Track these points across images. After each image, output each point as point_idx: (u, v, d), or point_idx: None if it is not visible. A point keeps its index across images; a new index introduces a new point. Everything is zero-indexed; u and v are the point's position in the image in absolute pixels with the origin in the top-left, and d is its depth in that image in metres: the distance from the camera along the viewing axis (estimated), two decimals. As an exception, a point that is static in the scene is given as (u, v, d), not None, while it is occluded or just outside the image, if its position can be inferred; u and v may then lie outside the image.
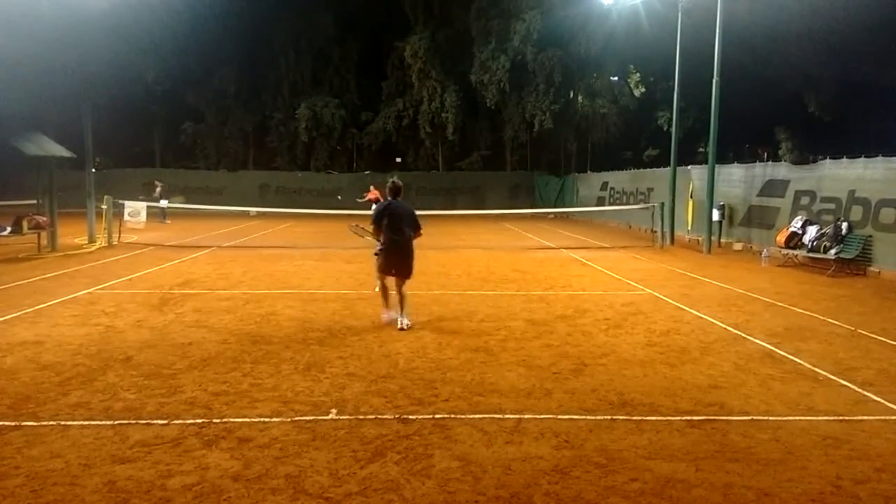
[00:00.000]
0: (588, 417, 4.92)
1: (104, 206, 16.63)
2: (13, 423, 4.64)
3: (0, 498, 3.58)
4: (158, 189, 24.80)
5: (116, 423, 4.68)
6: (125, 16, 19.59)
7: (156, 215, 23.13)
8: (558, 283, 11.44)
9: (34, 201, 15.72)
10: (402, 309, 7.74)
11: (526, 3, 32.68)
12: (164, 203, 23.40)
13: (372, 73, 39.53)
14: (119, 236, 17.05)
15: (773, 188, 16.64)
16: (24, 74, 13.72)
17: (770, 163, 18.56)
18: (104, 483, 3.77)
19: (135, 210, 18.10)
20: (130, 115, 34.01)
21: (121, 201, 17.70)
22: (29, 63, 13.69)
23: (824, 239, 13.45)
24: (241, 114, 38.18)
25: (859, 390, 5.67)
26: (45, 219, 14.82)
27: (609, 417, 4.92)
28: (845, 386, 5.79)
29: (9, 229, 14.05)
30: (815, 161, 16.14)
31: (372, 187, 27.07)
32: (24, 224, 14.21)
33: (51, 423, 4.67)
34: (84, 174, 17.24)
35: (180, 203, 24.27)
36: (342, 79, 39.70)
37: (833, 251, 13.07)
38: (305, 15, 36.86)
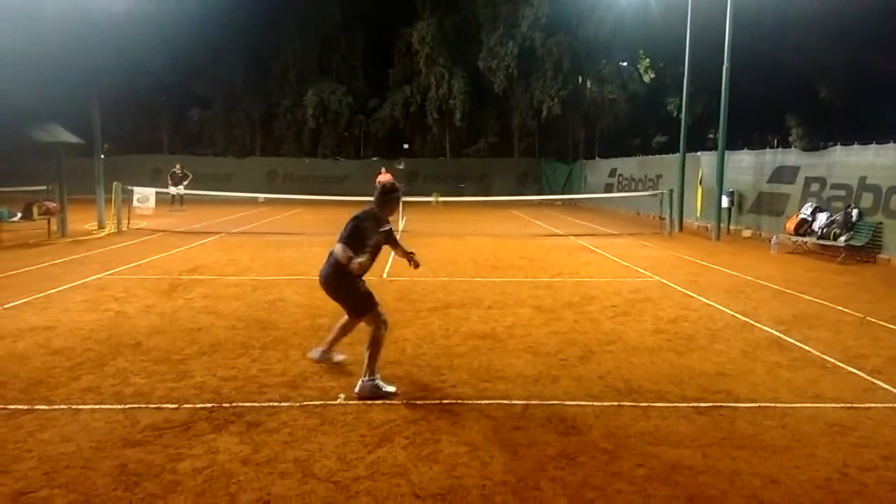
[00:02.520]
0: (595, 404, 4.93)
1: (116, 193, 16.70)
2: (25, 407, 4.69)
3: (13, 480, 3.63)
4: (177, 171, 24.70)
5: (127, 407, 4.72)
6: (132, 5, 19.56)
7: (167, 202, 23.18)
8: (566, 270, 11.42)
9: (44, 187, 15.82)
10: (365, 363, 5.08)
11: (534, -12, 32.38)
12: (173, 190, 23.38)
13: (379, 59, 39.32)
14: (128, 222, 17.14)
15: (782, 175, 16.51)
16: (34, 64, 13.78)
17: (780, 149, 18.40)
18: (115, 466, 3.81)
19: (143, 196, 18.16)
20: (138, 102, 34.02)
21: (130, 187, 17.77)
22: (38, 53, 13.74)
23: (834, 226, 13.36)
24: (249, 101, 38.11)
25: (868, 378, 5.65)
26: (54, 205, 14.91)
27: (616, 404, 4.93)
28: (853, 373, 5.77)
29: (19, 215, 14.15)
30: (825, 147, 16.00)
31: (384, 169, 25.12)
32: (35, 210, 14.31)
33: (62, 406, 4.72)
34: (93, 161, 17.31)
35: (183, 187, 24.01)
36: (349, 65, 39.54)
37: (843, 238, 12.98)
38: (312, 1, 36.67)
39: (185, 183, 24.35)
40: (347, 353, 6.10)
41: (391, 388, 5.09)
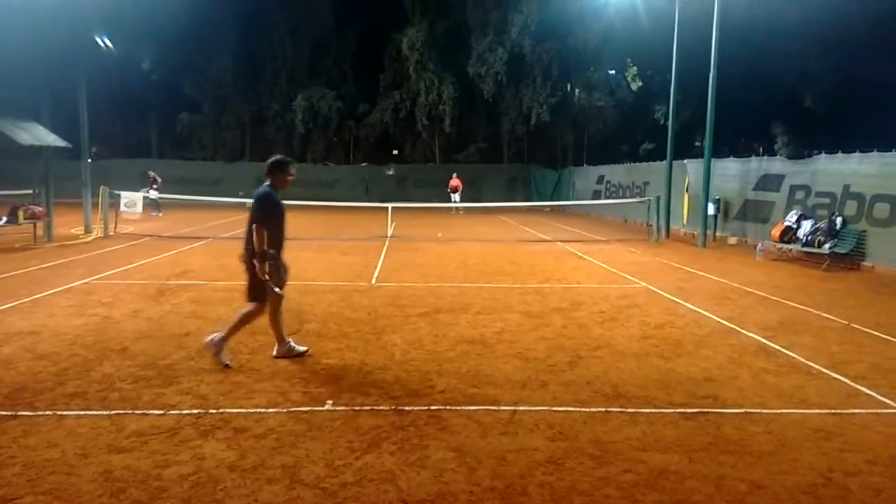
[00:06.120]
0: (582, 409, 4.95)
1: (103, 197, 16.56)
2: (10, 413, 4.64)
3: (-3, 487, 3.60)
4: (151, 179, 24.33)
5: (113, 413, 4.69)
6: (121, 3, 19.46)
7: (153, 207, 22.93)
8: (554, 276, 11.46)
9: (30, 191, 15.66)
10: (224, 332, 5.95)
11: (524, -5, 32.58)
12: (153, 194, 23.04)
13: (369, 64, 39.40)
14: (115, 227, 17.01)
15: (768, 182, 16.67)
16: (21, 63, 13.67)
17: (765, 157, 18.57)
18: (101, 472, 3.78)
19: (131, 201, 18.05)
20: (127, 105, 33.89)
21: (117, 192, 17.63)
22: (25, 52, 13.63)
23: (819, 233, 13.49)
24: (238, 104, 37.98)
25: (852, 384, 5.71)
26: (41, 209, 14.76)
27: (603, 409, 4.95)
28: (838, 379, 5.83)
29: (5, 219, 14.01)
30: (810, 156, 16.17)
31: (455, 174, 28.59)
32: (20, 214, 14.16)
33: (47, 412, 4.67)
34: (80, 164, 17.17)
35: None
36: (340, 70, 39.57)
37: (827, 245, 13.11)
38: (303, 5, 36.69)
39: (156, 187, 23.88)
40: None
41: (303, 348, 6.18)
